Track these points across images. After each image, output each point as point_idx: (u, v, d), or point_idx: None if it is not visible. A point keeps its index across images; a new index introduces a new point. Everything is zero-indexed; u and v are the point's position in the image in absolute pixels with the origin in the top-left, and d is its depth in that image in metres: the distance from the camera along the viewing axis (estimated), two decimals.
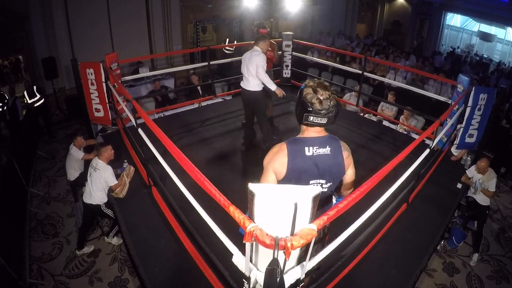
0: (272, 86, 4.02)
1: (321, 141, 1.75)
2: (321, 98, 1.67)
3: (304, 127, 1.77)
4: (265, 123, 4.37)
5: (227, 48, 8.28)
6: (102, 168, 3.64)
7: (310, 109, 1.66)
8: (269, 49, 4.77)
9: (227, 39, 10.19)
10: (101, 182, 3.67)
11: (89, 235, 4.28)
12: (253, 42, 4.24)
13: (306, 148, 1.71)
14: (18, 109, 6.27)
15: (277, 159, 1.71)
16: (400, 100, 6.21)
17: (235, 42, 9.80)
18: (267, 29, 4.92)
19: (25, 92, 6.50)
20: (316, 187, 1.43)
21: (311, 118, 1.68)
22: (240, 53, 4.38)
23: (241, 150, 4.56)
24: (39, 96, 6.60)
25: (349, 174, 1.90)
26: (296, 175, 1.71)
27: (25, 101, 6.49)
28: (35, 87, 6.61)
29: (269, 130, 4.47)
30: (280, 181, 1.73)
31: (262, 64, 3.96)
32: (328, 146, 1.75)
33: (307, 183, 1.74)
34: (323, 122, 1.70)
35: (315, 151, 1.72)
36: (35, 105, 6.57)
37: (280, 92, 4.02)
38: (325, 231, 2.02)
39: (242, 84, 4.19)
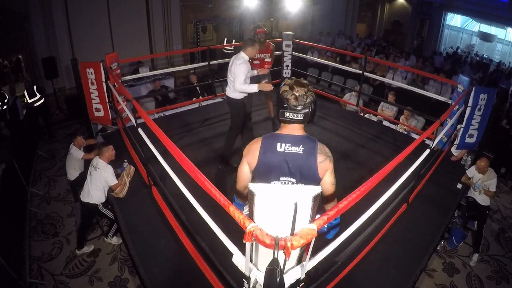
0: (254, 88, 3.79)
1: (296, 140, 1.74)
2: (297, 94, 1.68)
3: (282, 124, 1.79)
4: (232, 138, 4.08)
5: (226, 48, 8.26)
6: (102, 167, 3.64)
7: (286, 105, 1.69)
8: (267, 60, 4.79)
9: (225, 39, 10.20)
10: (101, 182, 3.67)
11: (89, 235, 4.28)
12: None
13: (278, 144, 1.73)
14: (19, 108, 6.27)
15: (251, 151, 1.79)
16: (400, 100, 6.21)
17: (233, 41, 9.81)
18: (265, 29, 4.82)
19: (25, 92, 6.50)
20: (317, 187, 1.43)
21: (287, 114, 1.70)
22: (235, 53, 4.29)
23: (242, 150, 4.55)
24: (39, 95, 6.60)
25: (326, 182, 1.80)
26: (266, 168, 1.75)
27: (25, 101, 6.49)
28: (35, 87, 6.61)
29: (231, 144, 4.13)
30: (253, 173, 1.81)
31: (241, 75, 3.72)
32: (301, 146, 1.73)
33: (277, 179, 1.77)
34: (299, 118, 1.71)
35: (287, 148, 1.72)
36: (35, 105, 6.56)
37: (266, 87, 3.76)
38: None
39: (226, 89, 4.01)
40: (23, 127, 6.30)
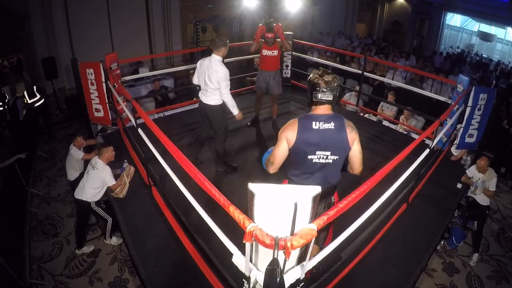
0: (235, 110, 3.70)
1: (327, 118, 1.99)
2: (326, 79, 1.94)
3: (313, 107, 2.03)
4: (222, 143, 3.90)
5: None
6: (100, 168, 3.64)
7: (318, 88, 1.95)
8: (275, 54, 4.63)
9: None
10: (98, 181, 3.67)
11: (89, 235, 4.29)
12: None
13: (314, 123, 1.97)
14: (19, 109, 6.26)
15: (290, 130, 2.00)
16: (400, 100, 6.21)
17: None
18: (275, 33, 4.57)
19: (25, 92, 6.49)
20: (316, 187, 1.44)
21: (319, 95, 1.96)
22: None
23: (242, 150, 4.56)
24: (39, 96, 6.60)
25: (355, 151, 2.07)
26: (304, 145, 1.98)
27: (25, 101, 6.48)
28: (35, 87, 6.60)
29: (225, 151, 4.02)
30: (291, 150, 2.02)
31: (226, 80, 3.53)
32: (332, 122, 1.98)
33: (314, 154, 2.00)
34: (329, 98, 1.97)
35: (321, 125, 1.97)
36: (35, 105, 6.56)
37: (240, 117, 3.78)
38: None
39: (200, 96, 3.73)
40: (23, 127, 6.30)
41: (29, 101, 6.49)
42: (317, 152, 1.99)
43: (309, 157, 2.01)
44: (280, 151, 2.03)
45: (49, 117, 7.14)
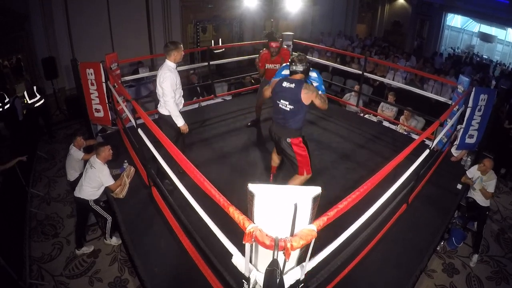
0: (179, 121, 3.44)
1: (293, 81, 2.93)
2: (299, 58, 2.94)
3: (291, 73, 2.99)
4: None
5: (214, 48, 8.24)
6: (98, 167, 3.64)
7: (293, 63, 2.94)
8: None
9: (218, 40, 10.23)
10: (95, 180, 3.67)
11: (89, 235, 4.28)
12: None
13: (284, 82, 2.97)
14: (17, 109, 6.26)
15: (272, 83, 3.12)
16: (400, 101, 6.21)
17: (220, 42, 9.97)
18: (279, 40, 4.50)
19: (25, 92, 6.48)
20: (316, 188, 1.44)
21: (293, 67, 2.95)
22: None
23: (241, 150, 4.56)
24: (39, 96, 6.59)
25: (315, 100, 2.97)
26: (275, 93, 3.02)
27: (25, 101, 6.48)
28: (35, 87, 6.60)
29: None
30: (271, 98, 3.11)
31: (168, 89, 3.28)
32: (294, 84, 2.91)
33: (279, 100, 2.99)
34: (299, 69, 2.94)
35: (287, 85, 2.93)
36: (35, 106, 6.56)
37: (184, 129, 3.52)
38: None
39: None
40: (23, 127, 6.30)
41: (29, 101, 6.49)
42: (281, 101, 2.97)
43: (277, 102, 3.00)
44: (267, 92, 3.20)
45: (49, 117, 7.13)
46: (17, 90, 7.17)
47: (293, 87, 2.89)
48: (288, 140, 3.08)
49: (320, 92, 3.04)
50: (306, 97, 2.88)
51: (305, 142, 3.19)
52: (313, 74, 3.12)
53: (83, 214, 4.03)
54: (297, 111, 2.94)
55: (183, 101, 3.72)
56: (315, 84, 3.07)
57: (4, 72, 7.30)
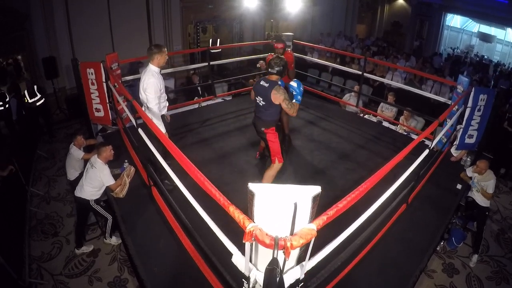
0: (160, 126, 3.35)
1: (268, 81, 3.25)
2: (275, 61, 3.23)
3: (269, 74, 3.29)
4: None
5: (211, 49, 8.25)
6: (99, 167, 3.64)
7: (270, 65, 3.24)
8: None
9: (216, 40, 10.24)
10: (96, 180, 3.67)
11: (89, 235, 4.28)
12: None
13: (262, 82, 3.29)
14: (12, 108, 6.26)
15: (255, 84, 3.45)
16: (399, 101, 6.22)
17: (218, 42, 9.99)
18: (284, 43, 4.41)
19: (26, 92, 6.47)
20: (316, 187, 1.44)
21: (269, 70, 3.24)
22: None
23: (241, 150, 4.57)
24: (40, 95, 6.58)
25: (282, 104, 3.21)
26: (255, 91, 3.39)
27: (26, 101, 6.47)
28: (35, 87, 6.58)
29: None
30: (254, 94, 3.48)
31: (152, 96, 3.21)
32: (268, 84, 3.23)
33: (257, 97, 3.36)
34: (274, 71, 3.23)
35: (263, 84, 3.26)
36: (36, 105, 6.54)
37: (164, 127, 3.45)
38: None
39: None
40: (19, 126, 6.33)
41: (30, 101, 6.47)
42: (258, 97, 3.35)
43: (256, 98, 3.39)
44: (252, 92, 3.55)
45: (49, 117, 7.12)
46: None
47: (266, 86, 3.22)
48: (263, 129, 3.44)
49: (294, 101, 3.22)
50: (275, 97, 3.18)
51: (277, 131, 3.52)
52: (294, 84, 3.22)
53: (83, 214, 4.03)
54: (268, 107, 3.28)
55: (167, 105, 3.65)
56: (294, 93, 3.23)
57: (8, 70, 7.31)
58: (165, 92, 3.54)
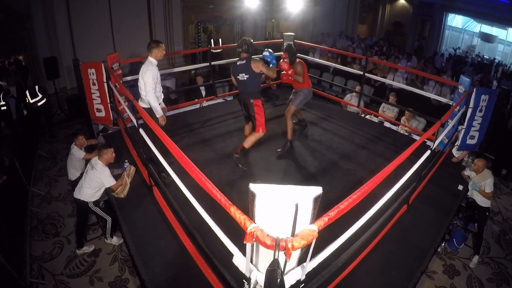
0: (158, 112, 3.65)
1: (243, 58, 3.81)
2: (239, 43, 3.84)
3: (240, 54, 3.87)
4: None
5: (213, 49, 8.26)
6: (99, 169, 3.64)
7: (239, 47, 3.85)
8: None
9: (218, 40, 10.23)
10: (96, 182, 3.67)
11: (90, 235, 4.29)
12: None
13: (238, 61, 3.85)
14: (11, 107, 6.23)
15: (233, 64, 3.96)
16: (401, 101, 6.21)
17: (221, 43, 9.98)
18: (287, 52, 4.48)
19: (27, 92, 6.46)
20: (317, 188, 1.44)
21: (238, 50, 3.85)
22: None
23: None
24: (41, 95, 6.57)
25: (262, 69, 3.77)
26: (235, 73, 3.89)
27: (27, 101, 6.46)
28: (37, 87, 6.57)
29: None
30: (235, 79, 3.99)
31: (150, 81, 3.56)
32: (244, 60, 3.79)
33: (238, 75, 3.86)
34: (241, 50, 3.82)
35: (240, 62, 3.83)
36: (38, 105, 6.53)
37: (162, 120, 3.73)
38: None
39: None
40: (19, 126, 6.32)
41: (31, 101, 6.46)
42: (239, 74, 3.83)
43: (237, 77, 3.87)
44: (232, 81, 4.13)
45: (51, 117, 7.12)
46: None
47: (244, 62, 3.79)
48: (251, 100, 3.89)
49: (271, 65, 3.94)
50: (255, 66, 3.73)
51: (263, 105, 3.96)
52: (266, 53, 4.01)
53: (83, 215, 4.03)
54: (252, 79, 3.80)
55: (162, 96, 3.99)
56: (268, 59, 3.95)
57: (10, 70, 7.31)
58: (160, 84, 3.85)
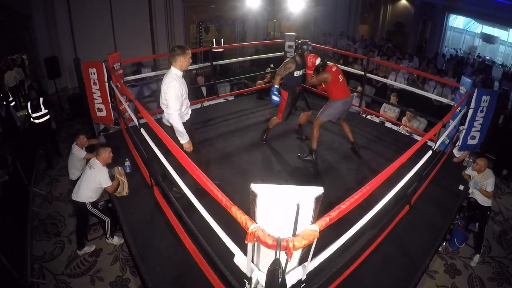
0: (182, 138, 3.07)
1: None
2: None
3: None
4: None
5: (214, 48, 8.28)
6: (97, 168, 3.63)
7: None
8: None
9: (220, 39, 10.23)
10: (94, 182, 3.65)
11: (90, 235, 4.29)
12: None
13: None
14: (14, 115, 5.93)
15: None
16: (402, 102, 6.20)
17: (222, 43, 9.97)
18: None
19: (29, 104, 5.51)
20: (318, 188, 1.43)
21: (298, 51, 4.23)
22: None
23: (244, 150, 4.57)
24: (45, 111, 5.58)
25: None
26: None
27: (30, 117, 5.54)
28: (41, 99, 5.57)
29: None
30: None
31: (173, 101, 2.92)
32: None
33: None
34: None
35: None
36: (40, 121, 5.57)
37: (188, 147, 3.15)
38: None
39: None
40: (22, 138, 5.82)
41: (32, 115, 5.50)
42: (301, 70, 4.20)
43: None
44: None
45: (55, 136, 6.15)
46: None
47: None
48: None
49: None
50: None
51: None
52: (276, 98, 4.20)
53: (82, 216, 4.03)
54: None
55: (189, 112, 3.34)
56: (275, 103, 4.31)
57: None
58: (187, 99, 3.24)
